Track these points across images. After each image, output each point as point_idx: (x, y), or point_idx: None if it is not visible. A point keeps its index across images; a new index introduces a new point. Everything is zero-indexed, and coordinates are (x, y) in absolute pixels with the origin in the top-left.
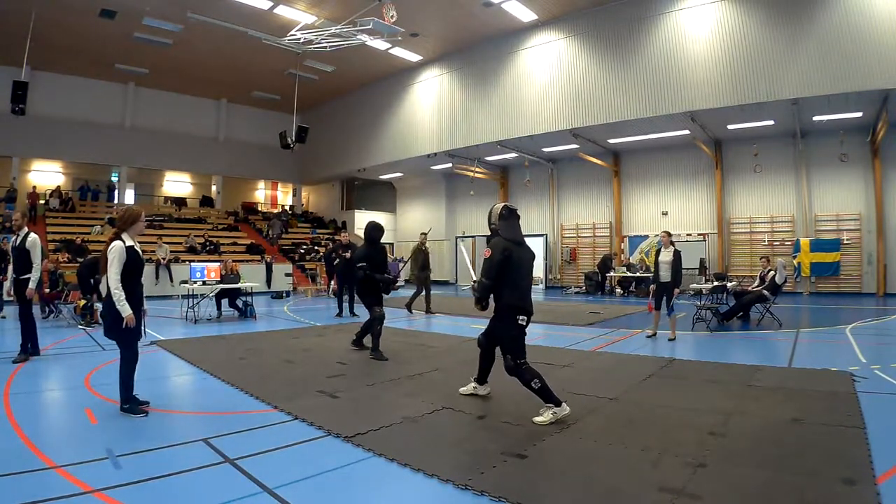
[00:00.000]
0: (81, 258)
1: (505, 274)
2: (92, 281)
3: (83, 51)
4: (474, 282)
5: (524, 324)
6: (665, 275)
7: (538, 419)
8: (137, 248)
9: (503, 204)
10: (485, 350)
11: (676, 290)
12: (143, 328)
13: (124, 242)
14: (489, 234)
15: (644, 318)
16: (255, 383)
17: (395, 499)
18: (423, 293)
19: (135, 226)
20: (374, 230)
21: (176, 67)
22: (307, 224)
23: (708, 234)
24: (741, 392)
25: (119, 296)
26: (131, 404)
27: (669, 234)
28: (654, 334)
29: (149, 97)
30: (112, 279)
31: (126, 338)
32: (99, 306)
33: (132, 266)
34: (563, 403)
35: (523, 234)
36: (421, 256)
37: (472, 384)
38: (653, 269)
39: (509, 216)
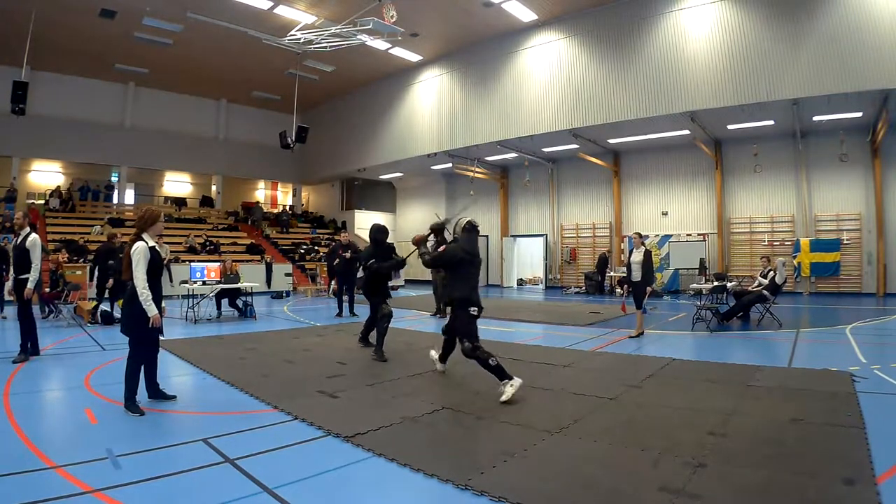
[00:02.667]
0: (81, 258)
1: (458, 273)
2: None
3: (83, 51)
4: (424, 254)
5: (475, 314)
6: (637, 274)
7: (503, 398)
8: (158, 248)
9: (468, 219)
10: (447, 339)
11: (648, 289)
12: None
13: (147, 243)
14: (451, 240)
15: (648, 317)
16: (255, 383)
17: (395, 499)
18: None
19: (154, 226)
20: (378, 232)
21: (176, 67)
22: (307, 224)
23: (708, 234)
24: (741, 392)
25: (146, 296)
26: (132, 402)
27: (640, 236)
28: (641, 333)
29: (149, 97)
30: (139, 280)
31: (142, 336)
32: (105, 307)
33: (153, 266)
34: (515, 377)
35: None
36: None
37: (436, 357)
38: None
39: (471, 231)
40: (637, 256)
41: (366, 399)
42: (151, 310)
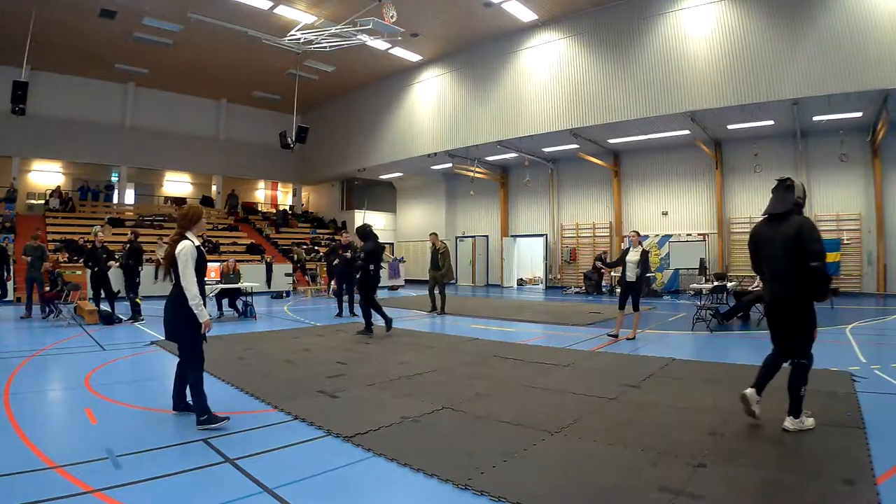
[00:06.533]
0: (80, 258)
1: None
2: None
3: (83, 51)
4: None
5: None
6: (631, 274)
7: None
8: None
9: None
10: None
11: (644, 289)
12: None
13: (192, 242)
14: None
15: (647, 316)
16: (255, 383)
17: (395, 499)
18: (436, 292)
19: (198, 224)
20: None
21: (176, 67)
22: (307, 224)
23: (708, 234)
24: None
25: (198, 301)
26: (209, 415)
27: (639, 235)
28: (617, 335)
29: (149, 97)
30: (189, 283)
31: (196, 342)
32: (105, 307)
33: (200, 267)
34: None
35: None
36: (434, 256)
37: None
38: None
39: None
40: (634, 256)
41: (366, 399)
42: (203, 315)
